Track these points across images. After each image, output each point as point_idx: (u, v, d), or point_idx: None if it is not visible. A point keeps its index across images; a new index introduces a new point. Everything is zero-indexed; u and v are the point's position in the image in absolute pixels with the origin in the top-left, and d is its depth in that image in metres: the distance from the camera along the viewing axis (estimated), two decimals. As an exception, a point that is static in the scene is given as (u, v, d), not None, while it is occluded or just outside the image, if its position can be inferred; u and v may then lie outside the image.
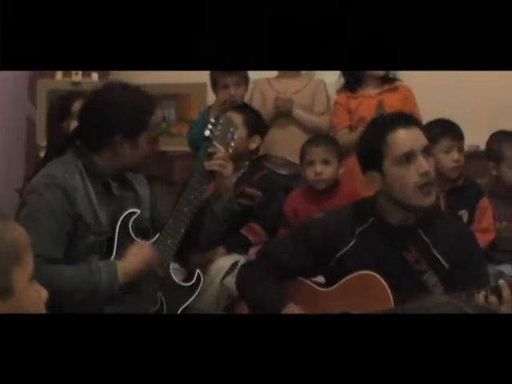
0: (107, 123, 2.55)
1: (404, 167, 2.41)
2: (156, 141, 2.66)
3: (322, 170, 3.53)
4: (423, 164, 2.39)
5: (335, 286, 2.49)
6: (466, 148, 3.77)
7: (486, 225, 3.47)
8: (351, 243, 2.50)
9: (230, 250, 3.50)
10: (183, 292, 2.71)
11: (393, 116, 2.62)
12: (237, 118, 3.55)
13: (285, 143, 4.02)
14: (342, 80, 4.07)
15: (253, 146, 3.73)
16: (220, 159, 2.74)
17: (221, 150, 2.75)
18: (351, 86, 4.03)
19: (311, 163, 3.56)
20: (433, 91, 4.26)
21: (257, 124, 3.76)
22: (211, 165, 2.74)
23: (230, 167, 2.79)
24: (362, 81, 4.00)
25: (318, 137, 3.74)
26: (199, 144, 3.79)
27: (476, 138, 4.02)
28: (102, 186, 2.61)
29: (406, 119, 2.50)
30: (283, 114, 4.03)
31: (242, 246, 3.51)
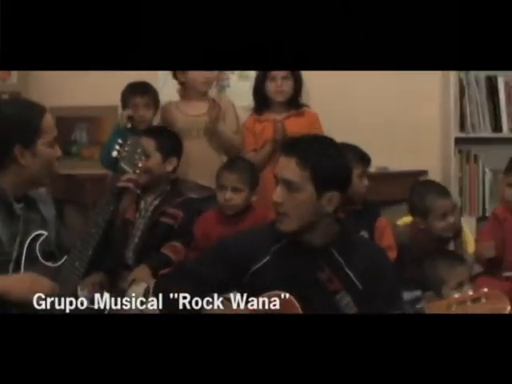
0: (2, 137, 2.55)
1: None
2: (53, 144, 2.63)
3: (231, 197, 3.53)
4: (274, 194, 2.47)
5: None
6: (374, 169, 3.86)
7: (386, 243, 3.48)
8: (265, 260, 2.51)
9: (153, 269, 3.45)
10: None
11: (291, 141, 2.63)
12: (149, 143, 3.59)
13: (194, 165, 4.03)
14: (252, 103, 4.14)
15: (169, 168, 3.73)
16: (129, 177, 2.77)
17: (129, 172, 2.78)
18: (259, 109, 4.10)
19: (222, 188, 3.56)
20: (336, 116, 4.33)
21: (171, 145, 3.76)
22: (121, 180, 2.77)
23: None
24: (269, 105, 4.07)
25: (234, 161, 3.73)
26: (108, 161, 3.85)
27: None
28: (4, 207, 2.59)
29: (291, 147, 2.51)
30: (214, 122, 4.00)
31: (164, 265, 3.46)
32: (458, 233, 3.81)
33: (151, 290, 3.03)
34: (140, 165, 2.85)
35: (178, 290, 2.45)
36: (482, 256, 3.66)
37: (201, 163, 4.01)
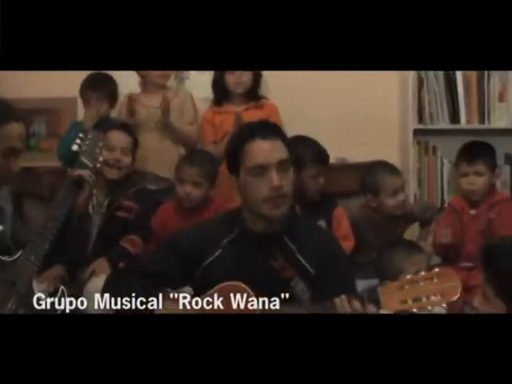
0: None
1: (256, 178, 2.47)
2: (10, 154, 2.60)
3: (190, 191, 3.54)
4: (274, 179, 2.44)
5: (205, 295, 2.48)
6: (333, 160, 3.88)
7: (343, 232, 3.55)
8: (217, 253, 2.53)
9: (112, 261, 3.49)
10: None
11: (257, 124, 2.61)
12: (124, 139, 3.70)
13: (153, 157, 4.04)
14: (211, 95, 4.15)
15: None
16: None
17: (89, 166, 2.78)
18: (218, 101, 4.11)
19: (183, 181, 3.56)
20: (295, 108, 4.35)
21: (135, 141, 3.80)
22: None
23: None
24: (229, 96, 4.09)
25: (195, 154, 3.75)
26: (67, 157, 3.82)
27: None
28: None
29: (269, 130, 2.52)
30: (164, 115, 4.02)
31: (122, 257, 3.50)
32: (428, 221, 3.92)
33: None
34: (101, 158, 2.85)
35: (130, 287, 2.46)
36: (439, 242, 3.75)
37: (159, 155, 4.03)
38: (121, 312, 2.37)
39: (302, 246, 2.53)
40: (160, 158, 4.02)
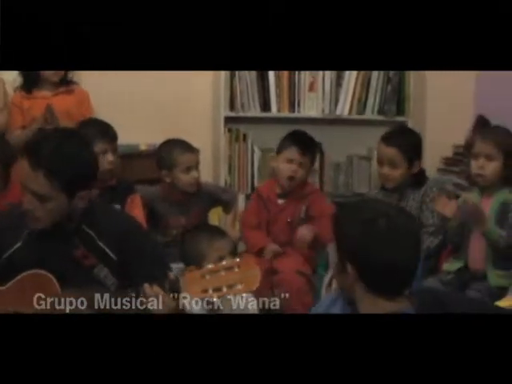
0: None
1: None
2: None
3: None
4: (26, 202, 2.43)
5: (7, 285, 2.47)
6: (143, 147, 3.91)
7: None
8: (17, 245, 2.51)
9: None
10: None
11: (34, 148, 2.45)
12: None
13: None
14: (20, 80, 4.08)
15: None
16: None
17: None
18: (27, 86, 4.06)
19: None
20: (108, 94, 4.35)
21: None
22: None
23: None
24: (39, 82, 4.04)
25: None
26: None
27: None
28: None
29: (36, 160, 2.39)
30: None
31: None
32: (228, 204, 4.02)
33: None
34: None
35: None
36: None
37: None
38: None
39: (103, 233, 2.54)
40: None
